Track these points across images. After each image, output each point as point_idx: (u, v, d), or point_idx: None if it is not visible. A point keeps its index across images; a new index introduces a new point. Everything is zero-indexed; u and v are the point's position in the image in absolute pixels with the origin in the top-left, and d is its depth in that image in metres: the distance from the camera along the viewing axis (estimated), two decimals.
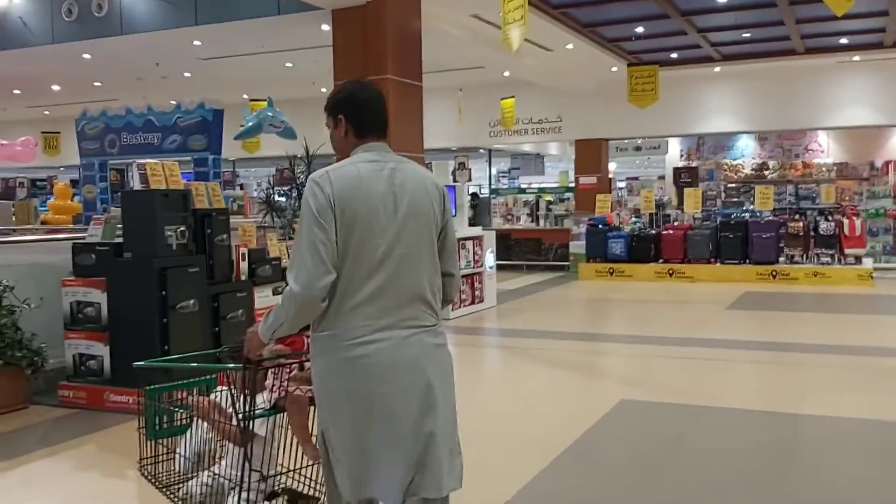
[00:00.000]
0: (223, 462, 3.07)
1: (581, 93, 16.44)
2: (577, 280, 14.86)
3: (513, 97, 15.77)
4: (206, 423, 3.11)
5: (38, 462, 4.89)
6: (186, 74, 14.74)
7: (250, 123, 10.20)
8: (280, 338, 2.62)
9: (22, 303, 6.20)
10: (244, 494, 2.80)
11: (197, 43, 12.19)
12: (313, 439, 2.82)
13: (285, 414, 2.97)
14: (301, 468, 3.07)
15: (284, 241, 7.61)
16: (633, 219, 16.61)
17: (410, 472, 2.48)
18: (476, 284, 10.92)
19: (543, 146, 21.82)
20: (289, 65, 14.02)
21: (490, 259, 11.30)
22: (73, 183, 16.19)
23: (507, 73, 15.90)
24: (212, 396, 3.18)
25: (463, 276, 10.53)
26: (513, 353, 8.29)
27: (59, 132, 20.29)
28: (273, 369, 2.83)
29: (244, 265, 6.85)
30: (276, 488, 3.03)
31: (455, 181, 17.17)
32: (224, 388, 3.09)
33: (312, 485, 3.10)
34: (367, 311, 2.43)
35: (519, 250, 17.02)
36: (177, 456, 3.17)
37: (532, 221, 19.11)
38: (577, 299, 12.94)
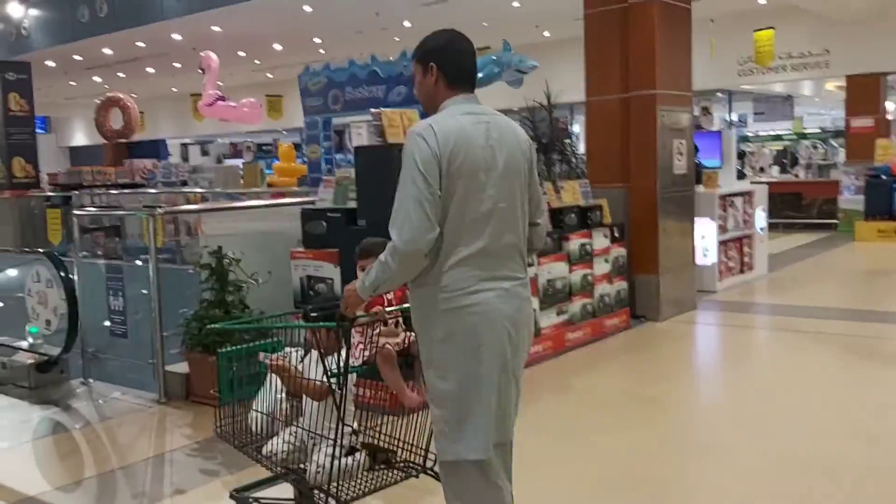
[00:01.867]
0: (303, 419, 3.07)
1: (856, 19, 13.77)
2: (852, 241, 12.57)
3: (771, 28, 13.50)
4: (278, 382, 3.13)
5: None
6: (406, 24, 13.91)
7: (483, 71, 8.99)
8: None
9: (249, 277, 5.45)
10: (337, 450, 2.82)
11: None
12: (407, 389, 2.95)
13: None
14: (379, 424, 3.12)
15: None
16: None
17: (508, 418, 2.54)
18: (745, 249, 9.17)
19: (795, 87, 19.08)
20: (515, 4, 12.75)
21: (761, 219, 9.49)
22: (297, 147, 16.03)
23: (763, 1, 13.64)
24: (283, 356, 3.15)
25: (730, 240, 8.85)
26: (813, 342, 6.53)
27: (281, 95, 20.50)
28: (360, 327, 2.88)
29: None
30: (356, 444, 3.04)
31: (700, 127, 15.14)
32: (291, 348, 3.15)
33: (390, 440, 3.12)
34: (473, 263, 2.44)
35: (773, 206, 14.68)
36: (254, 413, 3.17)
37: (786, 172, 16.73)
38: (864, 267, 10.76)
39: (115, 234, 11.23)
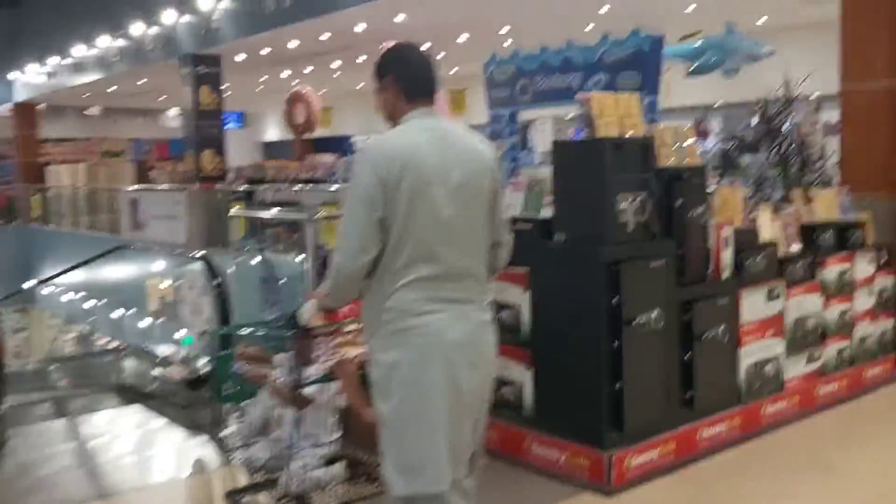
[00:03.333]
0: (284, 428, 3.08)
1: None
2: None
3: None
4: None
5: None
6: (602, 11, 12.65)
7: (699, 59, 7.62)
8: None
9: None
10: (300, 461, 2.86)
11: None
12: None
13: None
14: (359, 434, 3.01)
15: (778, 215, 5.03)
16: None
17: (467, 448, 2.44)
18: None
19: None
20: None
21: None
22: None
23: None
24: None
25: None
26: None
27: (464, 88, 19.98)
28: (319, 339, 2.94)
29: (726, 255, 4.44)
30: (336, 453, 3.03)
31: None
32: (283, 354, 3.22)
33: (374, 451, 2.88)
34: (422, 284, 2.38)
35: None
36: (246, 418, 3.22)
37: None
38: None
39: (295, 231, 10.90)
